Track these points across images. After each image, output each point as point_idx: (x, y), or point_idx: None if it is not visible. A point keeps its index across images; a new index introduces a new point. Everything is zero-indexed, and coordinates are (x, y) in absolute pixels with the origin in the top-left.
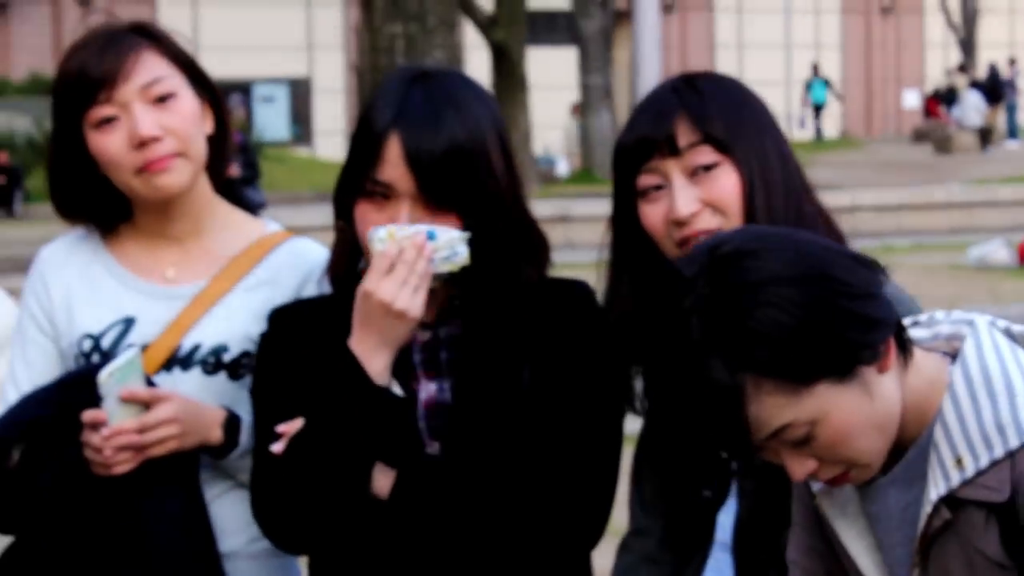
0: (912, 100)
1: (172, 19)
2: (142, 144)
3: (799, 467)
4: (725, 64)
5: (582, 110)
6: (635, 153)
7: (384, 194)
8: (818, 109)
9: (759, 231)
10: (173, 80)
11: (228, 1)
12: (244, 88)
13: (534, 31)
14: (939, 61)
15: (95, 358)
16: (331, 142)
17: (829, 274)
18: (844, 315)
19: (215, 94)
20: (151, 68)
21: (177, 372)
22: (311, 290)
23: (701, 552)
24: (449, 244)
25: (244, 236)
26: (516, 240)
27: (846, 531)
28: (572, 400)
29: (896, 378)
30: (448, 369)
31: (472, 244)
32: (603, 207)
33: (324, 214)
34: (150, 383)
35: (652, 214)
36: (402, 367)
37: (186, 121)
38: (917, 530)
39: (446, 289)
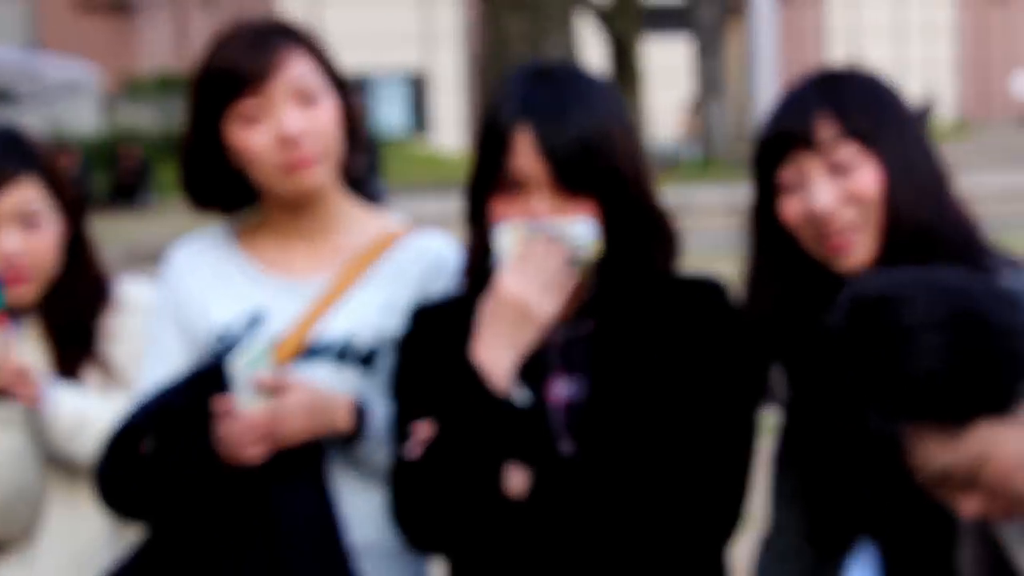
0: (1021, 84)
1: (292, 14)
2: (287, 143)
3: (968, 505)
4: (838, 53)
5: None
6: (775, 147)
7: (518, 187)
8: None
9: (900, 276)
10: (317, 81)
11: None
12: (362, 82)
13: (648, 22)
14: None
15: (227, 352)
16: (449, 135)
17: (976, 314)
18: (996, 355)
19: (347, 93)
20: (298, 68)
21: (307, 364)
22: (438, 282)
23: (843, 550)
24: (576, 235)
25: (370, 230)
26: (648, 227)
27: (1021, 553)
28: (707, 398)
29: None
30: (584, 367)
31: (606, 231)
32: (719, 197)
33: (443, 207)
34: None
35: (791, 209)
36: (538, 365)
37: (329, 122)
38: None
39: (581, 286)
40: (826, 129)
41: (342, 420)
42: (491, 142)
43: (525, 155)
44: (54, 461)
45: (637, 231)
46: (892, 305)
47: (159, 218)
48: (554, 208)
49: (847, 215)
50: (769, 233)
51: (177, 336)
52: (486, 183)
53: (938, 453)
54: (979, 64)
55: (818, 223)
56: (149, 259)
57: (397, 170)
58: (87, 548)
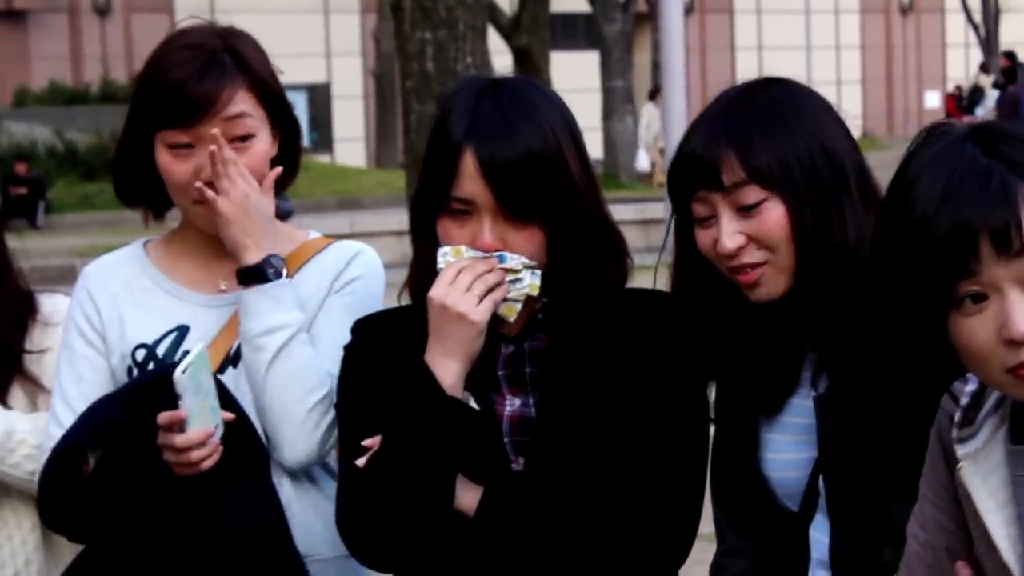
0: (934, 100)
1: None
2: (209, 182)
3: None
4: (745, 66)
5: (604, 114)
6: (687, 180)
7: (465, 210)
8: None
9: None
10: (254, 119)
11: (245, 8)
12: None
13: (555, 35)
14: (960, 61)
15: (151, 367)
16: (351, 148)
17: None
18: None
19: (290, 120)
20: (238, 105)
21: (231, 371)
22: (368, 291)
23: (797, 571)
24: (515, 270)
25: (291, 244)
26: (597, 243)
27: (985, 501)
28: (658, 414)
29: None
30: (532, 384)
31: (555, 249)
32: (627, 213)
33: (347, 221)
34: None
35: (704, 240)
36: (487, 382)
37: (256, 163)
38: None
39: (530, 302)
40: (730, 172)
41: None
42: (438, 162)
43: (471, 179)
44: None
45: (586, 248)
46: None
47: (54, 236)
48: (499, 232)
49: (754, 254)
50: (690, 252)
51: (94, 356)
52: (435, 204)
53: None
54: (884, 80)
55: (726, 259)
56: (45, 278)
57: (299, 185)
58: (14, 565)
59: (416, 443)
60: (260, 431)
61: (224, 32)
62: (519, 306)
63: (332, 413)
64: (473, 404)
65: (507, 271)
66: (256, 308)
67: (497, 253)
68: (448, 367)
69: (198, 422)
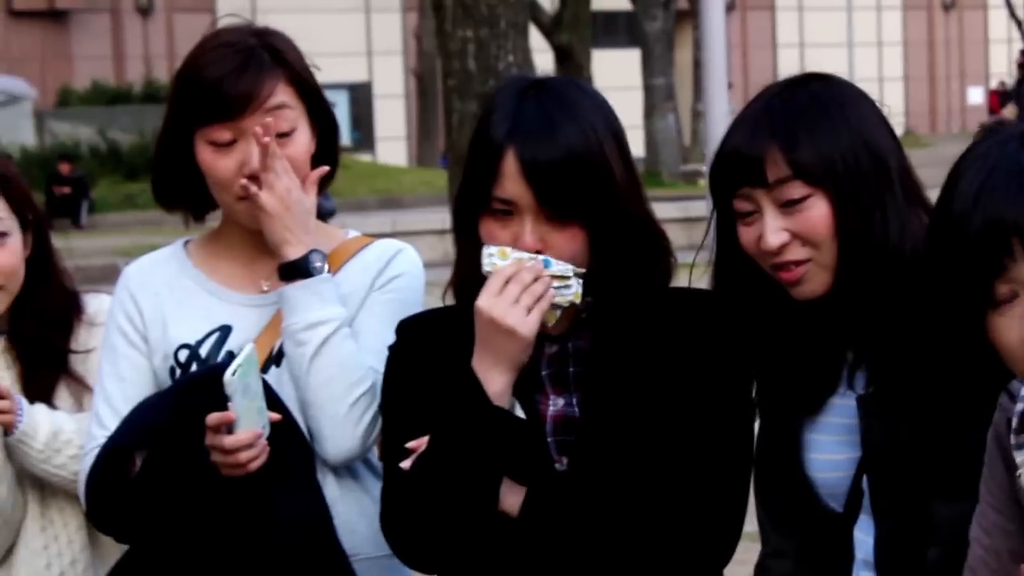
0: (977, 96)
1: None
2: (253, 176)
3: (1012, 324)
4: (787, 63)
5: (645, 112)
6: (730, 177)
7: (507, 210)
8: None
9: None
10: (295, 113)
11: (287, 7)
12: None
13: (596, 32)
14: (1003, 56)
15: (194, 367)
16: (392, 147)
17: None
18: None
19: (328, 116)
20: (277, 98)
21: (274, 370)
22: (408, 288)
23: (841, 571)
24: (562, 276)
25: (331, 243)
26: (640, 242)
27: None
28: (702, 413)
29: None
30: (576, 383)
31: (597, 249)
32: (670, 211)
33: (389, 220)
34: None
35: (747, 236)
36: (531, 381)
37: (298, 157)
38: None
39: (572, 305)
40: (774, 169)
41: None
42: (481, 162)
43: (512, 180)
44: (28, 480)
45: (629, 248)
46: None
47: (97, 236)
48: (540, 233)
49: (798, 251)
50: (731, 249)
51: (136, 356)
52: (477, 204)
53: None
54: (927, 77)
55: (770, 255)
56: (88, 278)
57: (341, 184)
58: (60, 564)
59: (461, 450)
60: (304, 429)
61: (259, 31)
62: (559, 312)
63: (375, 408)
64: (520, 412)
65: (555, 278)
66: (298, 303)
67: (542, 257)
68: (495, 377)
69: (246, 423)
